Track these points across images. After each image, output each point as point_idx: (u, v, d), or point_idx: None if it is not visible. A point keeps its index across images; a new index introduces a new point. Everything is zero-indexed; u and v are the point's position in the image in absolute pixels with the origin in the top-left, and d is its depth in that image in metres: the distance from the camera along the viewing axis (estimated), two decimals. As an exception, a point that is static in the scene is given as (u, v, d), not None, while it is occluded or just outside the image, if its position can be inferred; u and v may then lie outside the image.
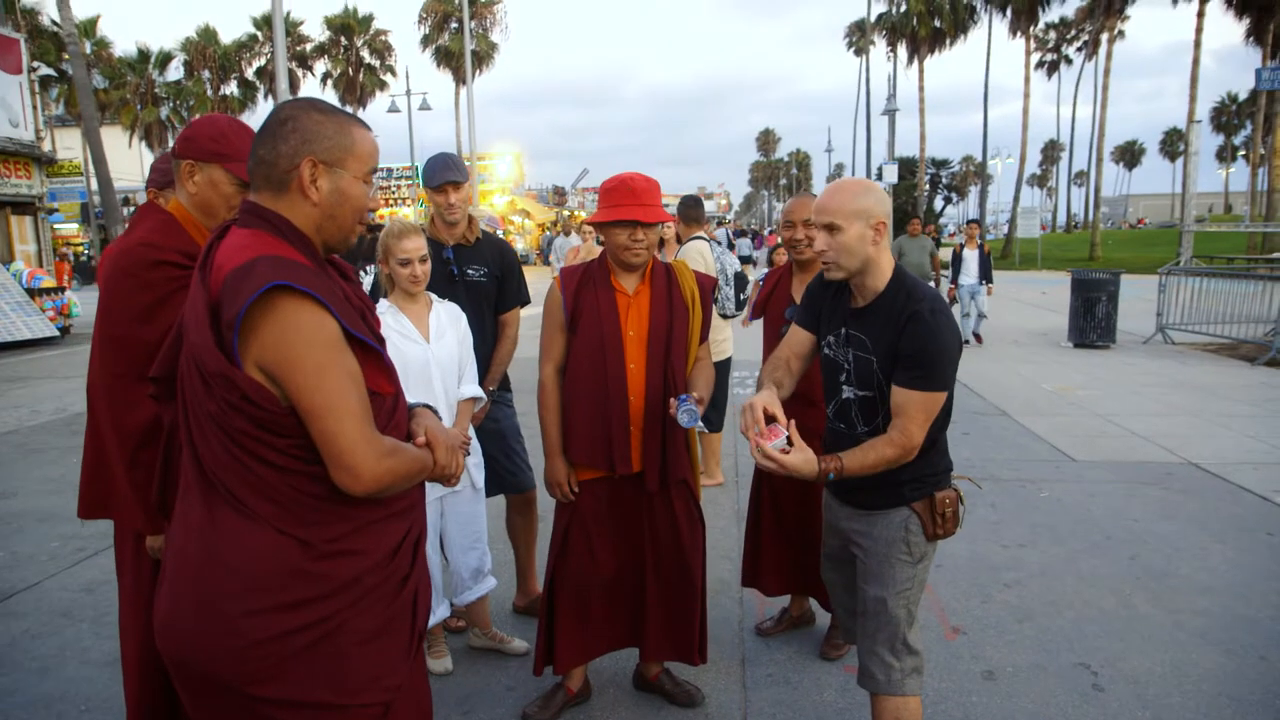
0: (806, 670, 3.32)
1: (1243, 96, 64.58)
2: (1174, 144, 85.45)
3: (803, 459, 2.15)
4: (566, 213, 47.98)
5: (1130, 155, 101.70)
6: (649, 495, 2.85)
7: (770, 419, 2.18)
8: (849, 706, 3.07)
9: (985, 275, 12.02)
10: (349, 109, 44.44)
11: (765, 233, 37.25)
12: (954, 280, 12.11)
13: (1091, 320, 11.69)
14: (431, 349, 3.09)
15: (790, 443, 2.15)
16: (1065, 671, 3.28)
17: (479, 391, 3.22)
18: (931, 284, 9.35)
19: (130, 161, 39.25)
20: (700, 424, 2.73)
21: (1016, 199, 41.42)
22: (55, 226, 27.66)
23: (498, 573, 3.52)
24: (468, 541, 3.29)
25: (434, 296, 3.23)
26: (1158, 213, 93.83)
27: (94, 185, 21.14)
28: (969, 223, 13.13)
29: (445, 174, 3.47)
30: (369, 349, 1.61)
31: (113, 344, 2.16)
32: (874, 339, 2.24)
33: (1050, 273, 28.33)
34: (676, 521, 2.89)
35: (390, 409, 1.67)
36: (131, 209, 29.01)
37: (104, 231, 29.05)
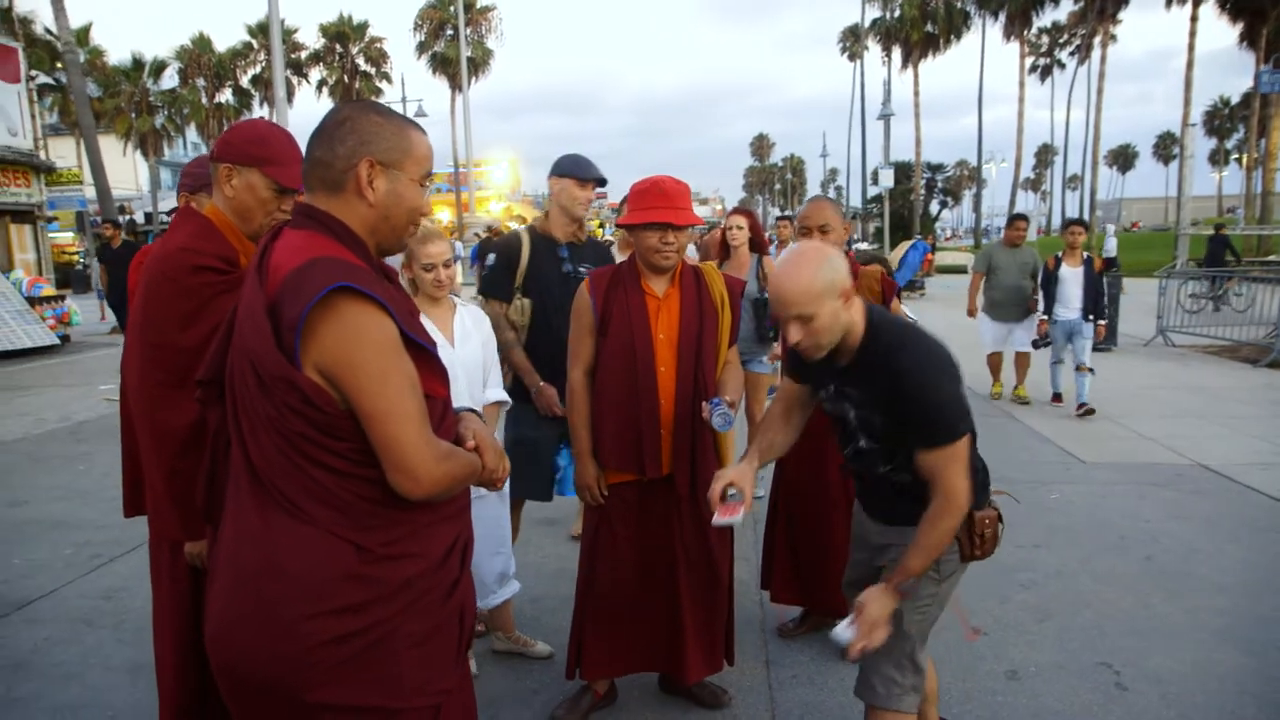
0: (831, 671, 3.33)
1: (1235, 100, 64.92)
2: (1167, 147, 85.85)
3: (876, 602, 2.10)
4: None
5: (1124, 159, 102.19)
6: (679, 498, 2.86)
7: (728, 495, 2.22)
8: (876, 707, 3.08)
9: (1093, 306, 7.84)
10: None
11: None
12: (1046, 310, 8.00)
13: (1093, 323, 11.66)
14: (456, 353, 3.10)
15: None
16: (1088, 671, 3.30)
17: (504, 395, 3.23)
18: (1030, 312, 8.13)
19: (125, 170, 39.23)
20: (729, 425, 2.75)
21: (1012, 203, 41.67)
22: (52, 235, 27.55)
23: (520, 576, 3.52)
24: (492, 546, 3.30)
25: (458, 300, 3.24)
26: (1152, 216, 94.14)
27: (91, 194, 21.09)
28: (1070, 224, 8.34)
29: (594, 171, 3.56)
30: (423, 352, 1.61)
31: (152, 350, 2.16)
32: (866, 395, 2.16)
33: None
34: (706, 525, 2.89)
35: (441, 413, 1.68)
36: (128, 218, 28.96)
37: (99, 240, 28.98)
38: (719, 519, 2.25)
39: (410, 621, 1.60)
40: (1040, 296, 7.99)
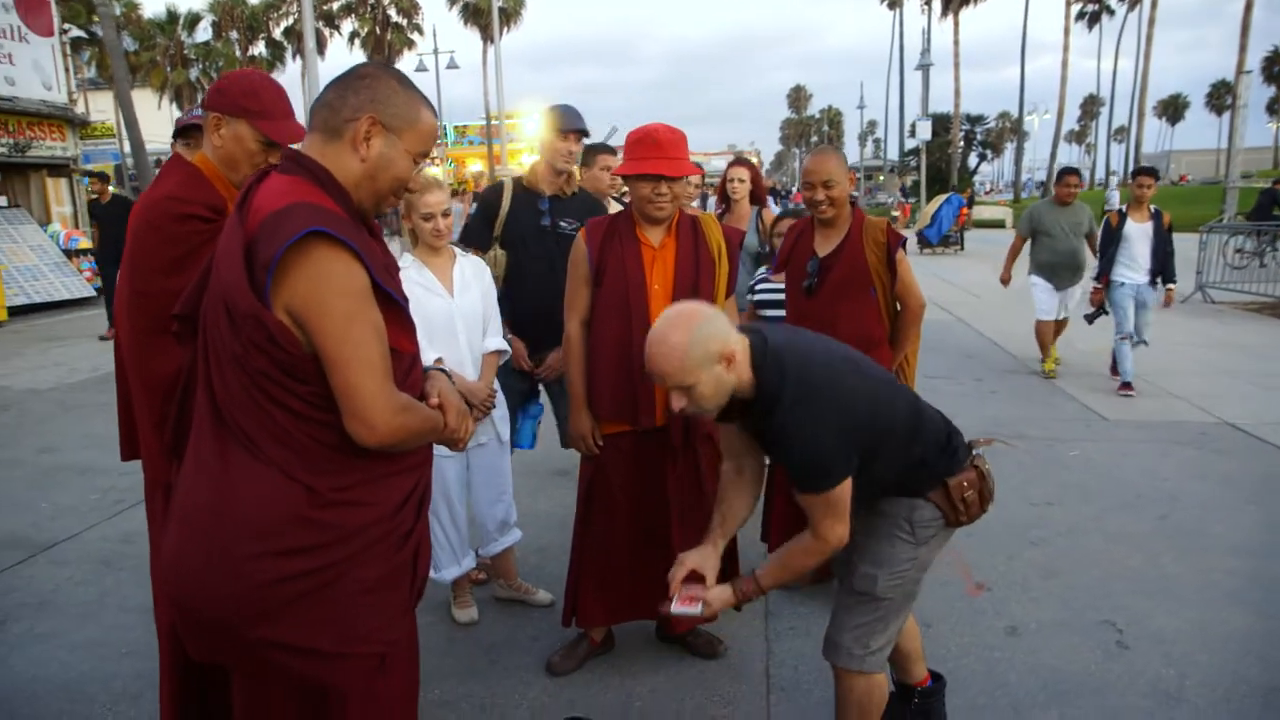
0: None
1: (1295, 46, 62.27)
2: (1221, 97, 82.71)
3: (717, 595, 2.14)
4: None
5: (1174, 109, 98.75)
6: (673, 449, 2.86)
7: (694, 578, 2.18)
8: (871, 660, 3.08)
9: (1162, 267, 6.84)
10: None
11: (793, 189, 36.71)
12: (1103, 273, 6.93)
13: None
14: (455, 302, 3.10)
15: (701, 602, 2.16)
16: (1090, 629, 3.27)
17: (503, 344, 3.24)
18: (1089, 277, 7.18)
19: (161, 124, 39.43)
20: None
21: (1054, 156, 40.61)
22: (89, 189, 28.00)
23: (523, 524, 3.56)
24: (494, 494, 3.33)
25: (458, 250, 3.24)
26: (1202, 169, 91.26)
27: (127, 148, 21.33)
28: (1139, 174, 7.01)
29: (577, 121, 3.51)
30: (394, 305, 1.62)
31: (139, 297, 2.19)
32: (765, 442, 2.13)
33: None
34: (701, 475, 2.89)
35: (407, 368, 1.69)
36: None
37: (137, 193, 29.36)
38: (677, 608, 2.15)
39: (360, 568, 1.62)
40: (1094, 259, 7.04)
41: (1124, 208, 6.95)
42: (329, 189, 1.60)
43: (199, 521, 1.55)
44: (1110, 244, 6.88)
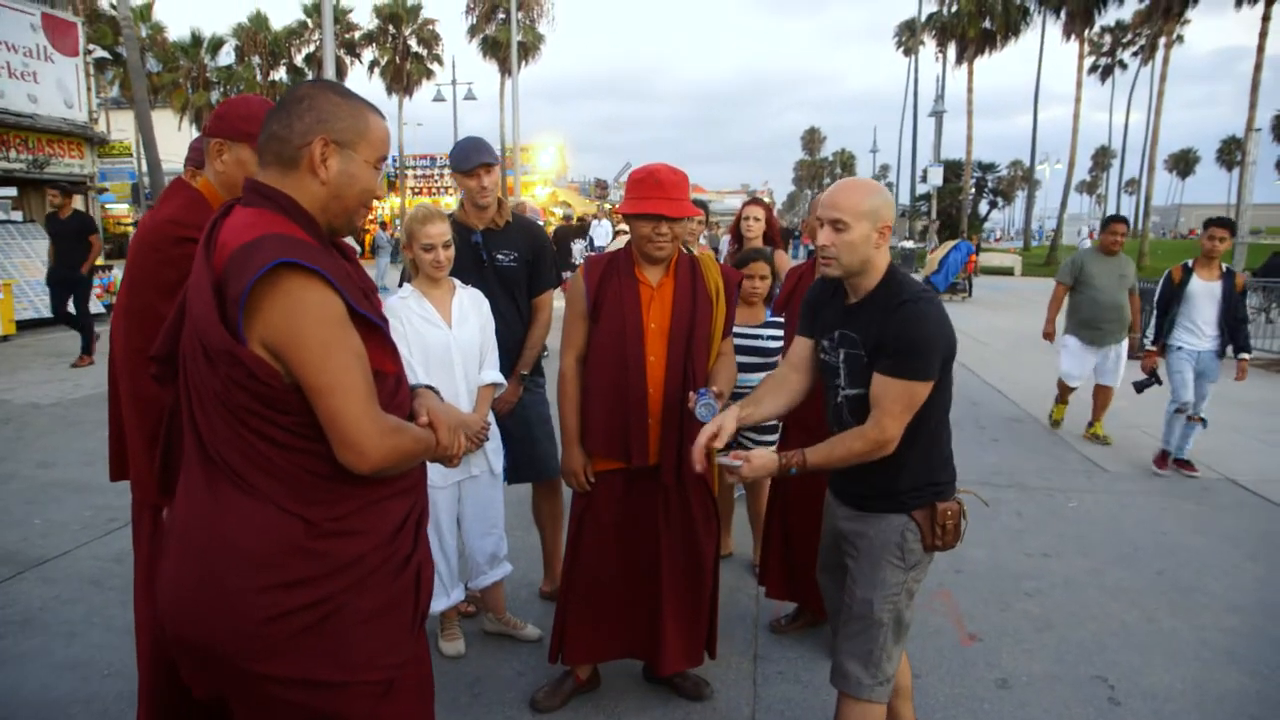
0: (818, 669, 3.30)
1: (1305, 105, 62.62)
2: (1231, 153, 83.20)
3: (760, 455, 2.22)
4: (608, 205, 48.02)
5: (1184, 163, 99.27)
6: (665, 488, 2.85)
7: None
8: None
9: (1234, 334, 5.91)
10: (395, 98, 44.34)
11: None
12: (1160, 335, 6.03)
13: (1132, 330, 11.39)
14: (453, 334, 3.11)
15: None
16: (1081, 683, 3.23)
17: (499, 377, 3.24)
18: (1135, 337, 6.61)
19: (180, 144, 39.75)
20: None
21: (1064, 205, 40.65)
22: (106, 206, 28.31)
23: (514, 558, 3.54)
24: (484, 526, 3.32)
25: (457, 282, 3.25)
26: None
27: (144, 167, 21.61)
28: (1212, 226, 5.96)
29: (478, 156, 3.42)
30: (373, 328, 1.62)
31: (134, 317, 2.21)
32: (864, 334, 2.23)
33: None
34: (691, 515, 2.88)
35: (393, 389, 1.68)
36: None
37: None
38: (724, 459, 2.29)
39: (360, 597, 1.61)
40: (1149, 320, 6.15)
41: (1189, 262, 6.03)
42: (295, 217, 1.60)
43: (196, 557, 1.54)
44: (1170, 303, 5.96)
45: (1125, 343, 6.68)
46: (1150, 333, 6.16)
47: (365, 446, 1.52)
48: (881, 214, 2.19)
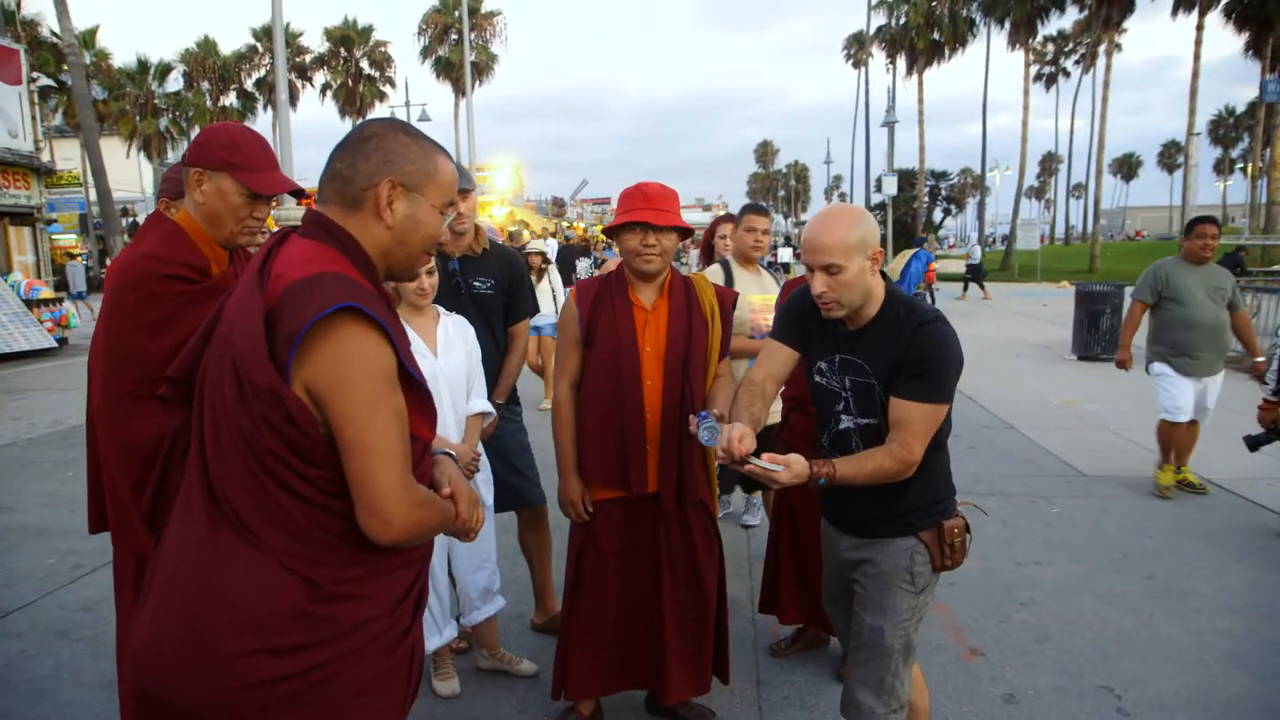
0: (823, 692, 3.24)
1: (1240, 109, 64.78)
2: (1172, 156, 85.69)
3: (795, 461, 2.08)
4: (566, 224, 47.99)
5: (1128, 167, 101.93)
6: (665, 516, 2.77)
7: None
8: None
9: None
10: (349, 121, 44.07)
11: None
12: None
13: (1096, 333, 11.64)
14: (439, 363, 3.02)
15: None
16: (1089, 694, 3.20)
17: (488, 406, 3.15)
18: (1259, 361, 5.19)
19: (128, 172, 39.21)
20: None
21: (1016, 211, 41.45)
22: (54, 237, 27.58)
23: (504, 591, 3.43)
24: (476, 560, 3.21)
25: (441, 309, 3.16)
26: (1156, 225, 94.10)
27: (93, 196, 21.11)
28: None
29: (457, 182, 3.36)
30: (417, 389, 1.52)
31: (117, 359, 2.09)
32: (872, 360, 2.17)
33: (1050, 285, 28.30)
34: (693, 542, 2.81)
35: (419, 455, 1.58)
36: (130, 220, 28.97)
37: (102, 242, 29.05)
38: (763, 463, 2.06)
39: (356, 666, 1.49)
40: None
41: None
42: (354, 258, 1.51)
43: (182, 607, 1.42)
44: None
45: (1222, 374, 5.61)
46: (1275, 368, 4.80)
47: (393, 516, 1.42)
48: (869, 241, 2.13)
